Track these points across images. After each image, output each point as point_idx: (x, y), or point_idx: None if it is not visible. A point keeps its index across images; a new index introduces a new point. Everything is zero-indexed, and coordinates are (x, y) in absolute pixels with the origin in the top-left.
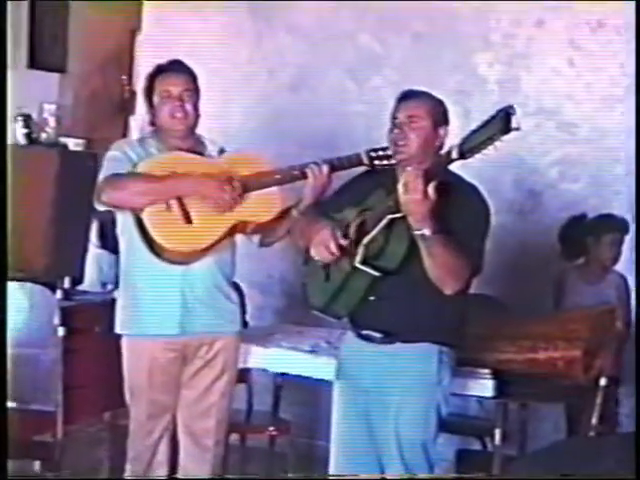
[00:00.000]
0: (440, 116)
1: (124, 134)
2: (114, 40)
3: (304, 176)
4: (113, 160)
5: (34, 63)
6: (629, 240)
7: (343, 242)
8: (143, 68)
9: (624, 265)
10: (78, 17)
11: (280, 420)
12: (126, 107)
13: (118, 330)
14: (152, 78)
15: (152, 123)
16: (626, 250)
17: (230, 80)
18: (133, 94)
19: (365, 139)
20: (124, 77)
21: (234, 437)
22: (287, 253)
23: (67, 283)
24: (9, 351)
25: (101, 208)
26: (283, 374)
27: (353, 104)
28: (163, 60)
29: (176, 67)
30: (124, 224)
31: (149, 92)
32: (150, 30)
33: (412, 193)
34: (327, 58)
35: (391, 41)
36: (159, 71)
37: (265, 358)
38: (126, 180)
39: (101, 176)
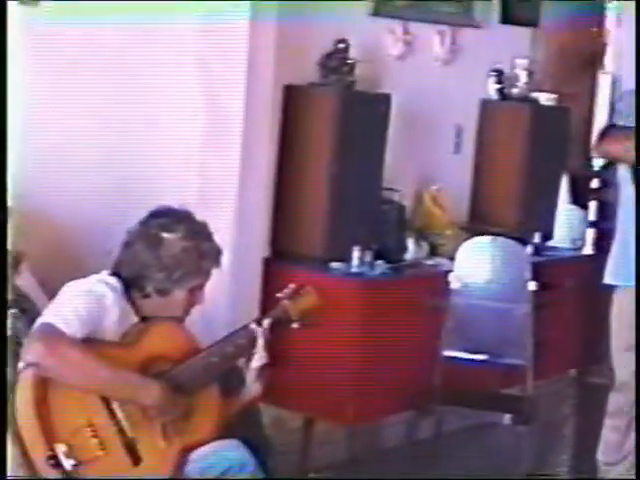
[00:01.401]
0: None
1: (593, 89)
2: None
3: None
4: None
5: (506, 18)
6: None
7: None
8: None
9: None
10: None
11: None
12: (595, 61)
13: (606, 280)
14: None
15: None
16: None
17: None
18: (603, 47)
19: None
20: (594, 29)
21: None
22: None
23: (537, 238)
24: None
25: (599, 159)
26: None
27: None
28: None
29: None
30: (622, 175)
31: None
32: None
33: None
34: None
35: None
36: None
37: None
38: (623, 133)
39: (601, 127)
